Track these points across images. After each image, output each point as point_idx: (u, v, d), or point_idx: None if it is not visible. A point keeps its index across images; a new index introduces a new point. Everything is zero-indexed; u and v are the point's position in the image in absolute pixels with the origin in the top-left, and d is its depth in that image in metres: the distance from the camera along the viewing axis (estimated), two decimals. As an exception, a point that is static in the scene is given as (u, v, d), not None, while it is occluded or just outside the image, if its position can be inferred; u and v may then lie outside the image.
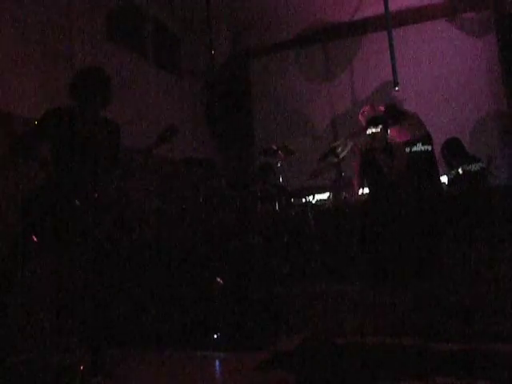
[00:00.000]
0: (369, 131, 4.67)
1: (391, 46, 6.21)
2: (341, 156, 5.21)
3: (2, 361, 3.03)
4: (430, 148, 5.15)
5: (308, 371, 2.85)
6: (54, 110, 3.19)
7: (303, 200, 5.68)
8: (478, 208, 5.29)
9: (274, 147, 5.54)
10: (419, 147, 5.10)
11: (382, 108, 5.28)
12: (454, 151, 5.73)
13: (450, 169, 5.82)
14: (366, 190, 4.92)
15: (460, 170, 5.66)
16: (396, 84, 6.11)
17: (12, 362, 3.21)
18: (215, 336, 3.68)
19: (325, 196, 6.19)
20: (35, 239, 2.90)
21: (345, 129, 7.22)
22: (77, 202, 2.96)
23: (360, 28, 7.35)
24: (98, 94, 3.22)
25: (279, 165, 5.58)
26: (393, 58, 6.19)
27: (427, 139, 5.15)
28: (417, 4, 7.00)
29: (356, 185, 4.90)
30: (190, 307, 3.96)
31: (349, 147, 5.19)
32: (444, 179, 6.13)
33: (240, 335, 3.67)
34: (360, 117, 5.24)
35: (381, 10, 6.41)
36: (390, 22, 6.28)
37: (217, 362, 3.33)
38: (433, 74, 6.81)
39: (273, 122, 7.74)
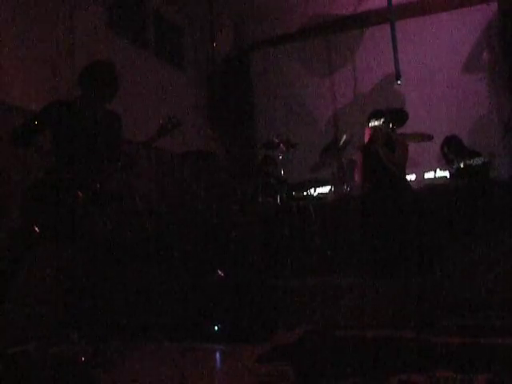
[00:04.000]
0: (371, 124, 4.66)
1: (394, 38, 6.17)
2: (341, 143, 5.20)
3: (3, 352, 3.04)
4: None
5: (308, 364, 2.85)
6: (55, 102, 3.20)
7: (304, 193, 5.68)
8: (479, 201, 5.29)
9: (276, 140, 5.54)
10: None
11: None
12: (454, 148, 5.73)
13: (450, 164, 5.82)
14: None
15: (461, 165, 5.66)
16: (398, 77, 6.08)
17: (12, 353, 3.22)
18: (215, 328, 3.69)
19: (326, 189, 6.19)
20: (37, 230, 2.90)
21: (347, 122, 7.21)
22: (79, 193, 2.97)
23: (362, 21, 7.30)
24: (106, 89, 3.24)
25: (281, 158, 5.57)
26: (395, 51, 6.16)
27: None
28: (420, -4, 6.96)
29: (358, 178, 4.90)
30: (191, 299, 3.97)
31: (348, 139, 5.20)
32: (445, 174, 6.13)
33: (240, 328, 3.67)
34: None
35: (383, 2, 6.37)
36: (392, 14, 6.25)
37: (216, 355, 3.34)
38: (435, 67, 6.78)
39: (274, 114, 7.71)
